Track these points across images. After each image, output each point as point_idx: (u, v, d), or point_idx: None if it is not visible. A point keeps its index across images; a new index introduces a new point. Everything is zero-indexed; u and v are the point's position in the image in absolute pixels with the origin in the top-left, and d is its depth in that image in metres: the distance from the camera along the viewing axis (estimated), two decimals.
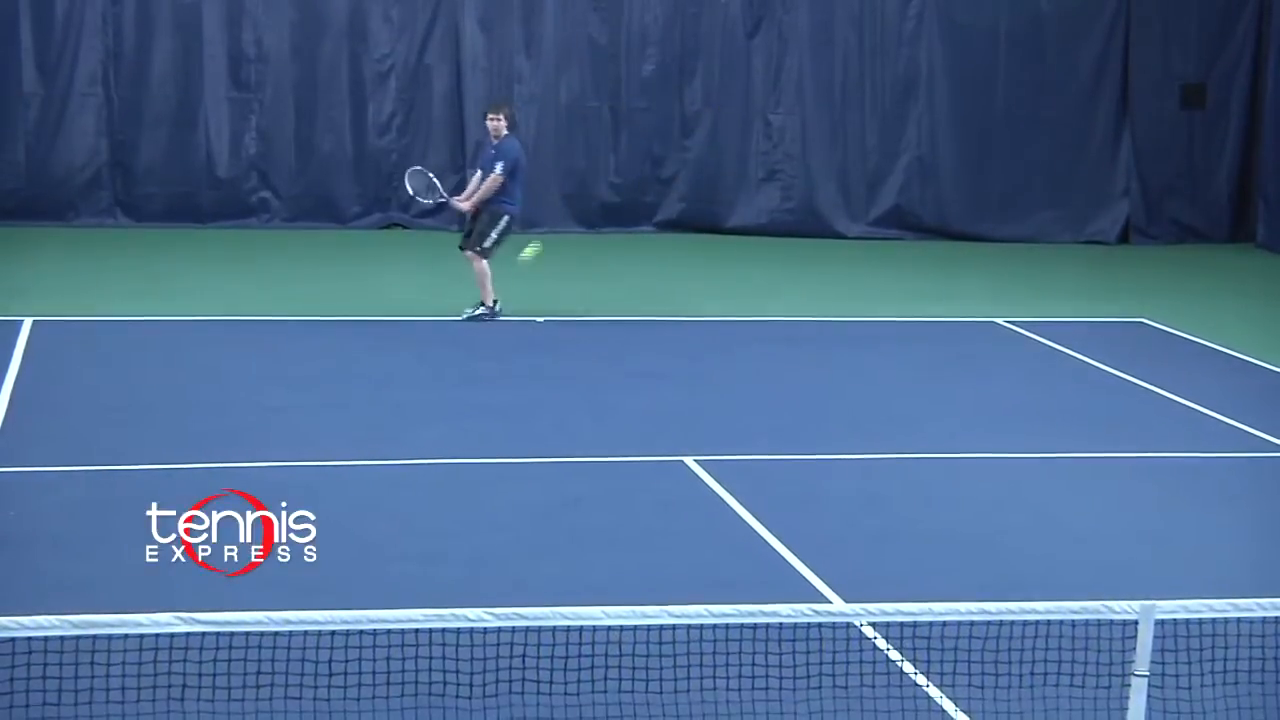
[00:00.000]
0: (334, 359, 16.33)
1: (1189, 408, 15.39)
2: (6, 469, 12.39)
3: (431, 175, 18.67)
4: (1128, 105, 25.26)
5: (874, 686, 8.27)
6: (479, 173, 18.26)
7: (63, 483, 12.15)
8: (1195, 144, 25.52)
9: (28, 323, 17.05)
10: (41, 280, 19.79)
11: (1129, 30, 25.15)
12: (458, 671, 7.95)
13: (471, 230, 18.06)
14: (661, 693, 8.07)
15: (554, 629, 7.66)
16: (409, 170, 19.07)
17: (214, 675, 7.65)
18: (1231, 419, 14.91)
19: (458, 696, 7.98)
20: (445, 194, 18.44)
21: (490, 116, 18.16)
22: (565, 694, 8.02)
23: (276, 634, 7.43)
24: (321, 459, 12.84)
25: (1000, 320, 19.05)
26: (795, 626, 8.11)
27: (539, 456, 13.18)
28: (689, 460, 13.03)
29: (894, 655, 8.97)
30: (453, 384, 15.61)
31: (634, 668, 8.04)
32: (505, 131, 18.00)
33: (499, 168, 17.82)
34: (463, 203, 18.18)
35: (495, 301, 17.90)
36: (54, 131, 23.42)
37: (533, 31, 24.42)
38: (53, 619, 6.69)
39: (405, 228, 24.23)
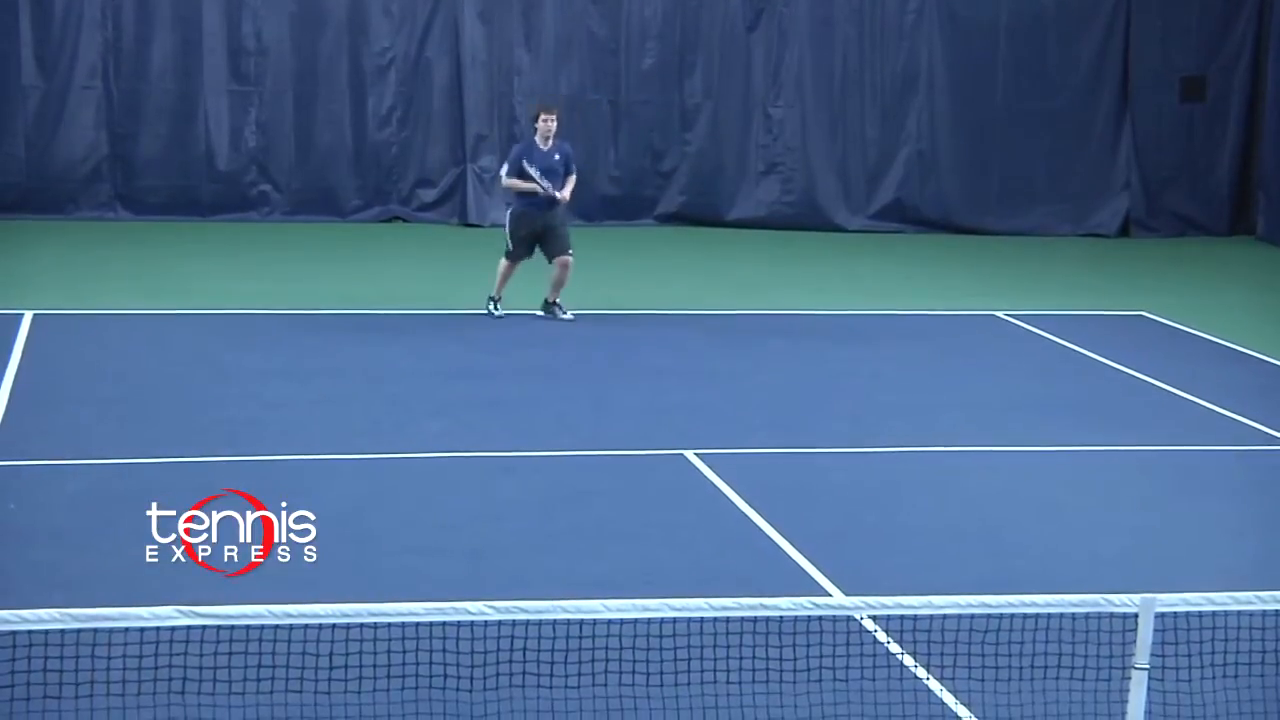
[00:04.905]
0: (334, 352, 16.33)
1: (1189, 401, 15.39)
2: (7, 462, 12.38)
3: None
4: (1128, 98, 25.25)
5: (874, 679, 8.27)
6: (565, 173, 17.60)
7: (63, 476, 12.15)
8: (1195, 137, 25.52)
9: (28, 316, 17.04)
10: (42, 274, 19.77)
11: (1129, 23, 25.13)
12: (458, 665, 7.96)
13: (558, 233, 17.61)
14: (662, 686, 8.06)
15: (554, 622, 7.65)
16: None
17: (215, 668, 7.64)
18: (1231, 412, 14.91)
19: (458, 690, 7.98)
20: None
21: (550, 117, 17.67)
22: (566, 687, 8.02)
23: (277, 627, 7.41)
24: (322, 452, 12.85)
25: (1000, 313, 19.04)
26: (795, 620, 8.13)
27: (539, 450, 13.18)
28: (689, 454, 13.03)
29: (894, 648, 8.96)
30: (453, 377, 15.61)
31: (634, 661, 8.03)
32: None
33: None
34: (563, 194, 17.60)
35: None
36: (54, 125, 23.40)
37: (532, 25, 24.41)
38: (53, 612, 6.68)
39: (405, 221, 24.22)
